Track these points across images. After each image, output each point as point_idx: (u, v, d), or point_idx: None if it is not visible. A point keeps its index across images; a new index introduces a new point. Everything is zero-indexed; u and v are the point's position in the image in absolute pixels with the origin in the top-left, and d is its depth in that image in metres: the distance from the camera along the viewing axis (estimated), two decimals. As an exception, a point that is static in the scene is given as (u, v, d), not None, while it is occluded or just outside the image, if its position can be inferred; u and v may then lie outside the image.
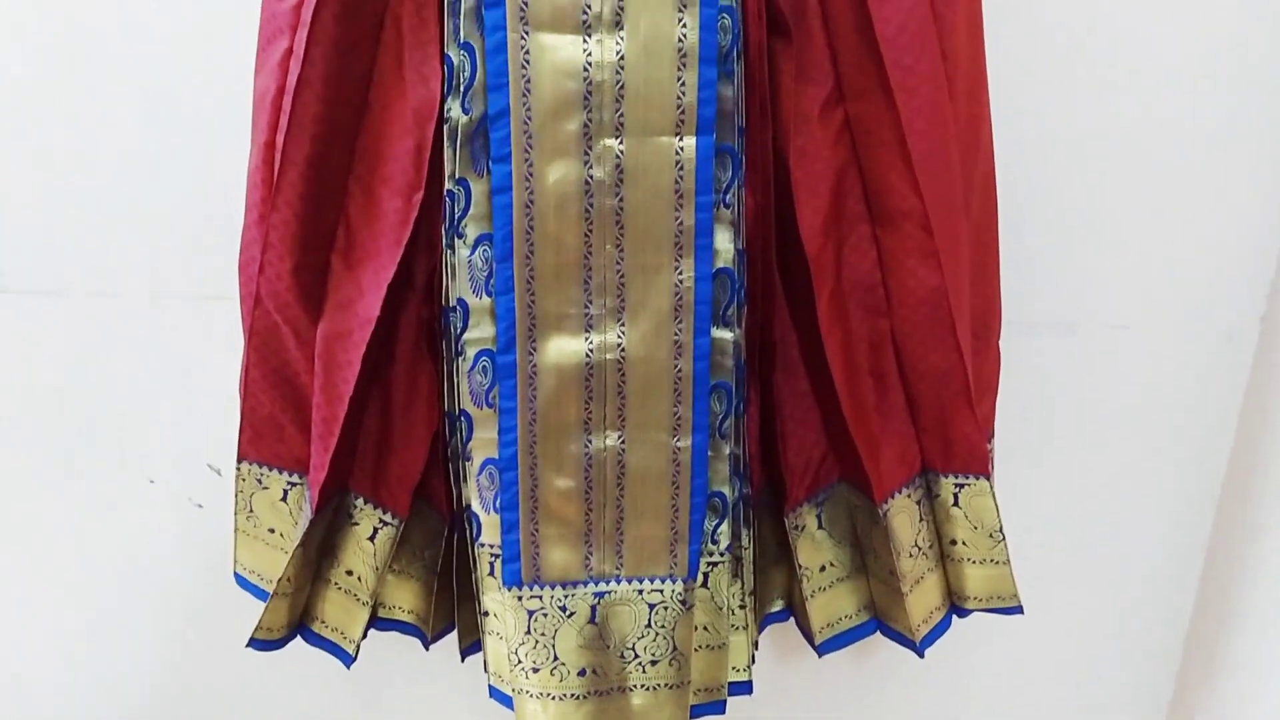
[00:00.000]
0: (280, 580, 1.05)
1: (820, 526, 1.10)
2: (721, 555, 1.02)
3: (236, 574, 1.14)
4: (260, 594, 1.12)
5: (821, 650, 1.13)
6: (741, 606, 1.05)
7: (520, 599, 1.00)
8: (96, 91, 1.23)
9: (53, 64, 1.22)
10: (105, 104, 1.23)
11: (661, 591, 1.01)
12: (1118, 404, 1.35)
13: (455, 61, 0.90)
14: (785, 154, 0.95)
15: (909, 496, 1.08)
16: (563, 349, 0.94)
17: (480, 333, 0.95)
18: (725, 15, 0.88)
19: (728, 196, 0.93)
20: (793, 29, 0.92)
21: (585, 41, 0.88)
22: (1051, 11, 1.20)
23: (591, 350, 0.95)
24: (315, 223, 0.97)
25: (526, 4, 0.87)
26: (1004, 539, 1.09)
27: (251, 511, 1.10)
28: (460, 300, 0.95)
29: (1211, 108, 1.23)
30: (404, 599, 1.13)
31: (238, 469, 1.09)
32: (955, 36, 0.94)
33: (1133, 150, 1.25)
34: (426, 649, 1.16)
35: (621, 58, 0.88)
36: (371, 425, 1.05)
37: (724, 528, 1.01)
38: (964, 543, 1.10)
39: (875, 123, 0.95)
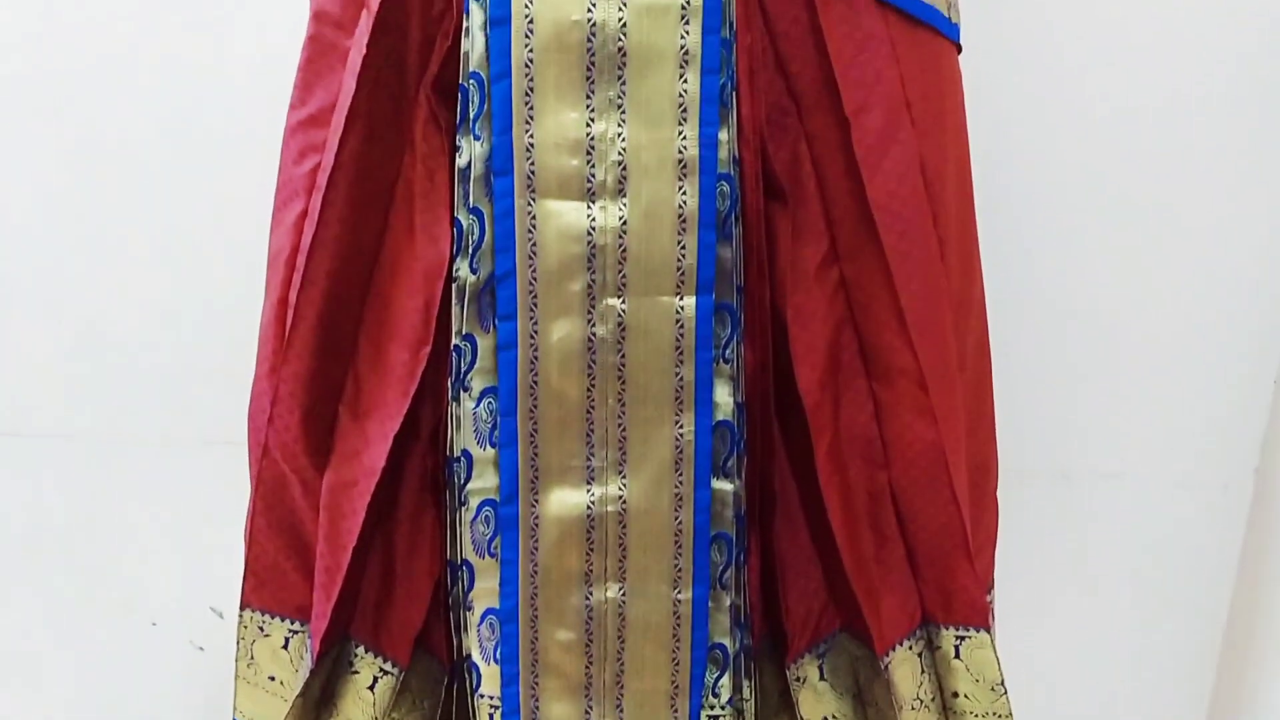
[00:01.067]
0: (279, 730, 1.05)
1: (822, 678, 1.09)
2: (723, 708, 1.01)
3: (235, 721, 1.14)
4: (259, 743, 1.12)
5: (824, 805, 1.11)
6: (742, 760, 1.04)
7: (519, 753, 0.99)
8: (111, 241, 1.27)
9: (67, 212, 1.27)
10: (119, 253, 1.27)
11: None
12: (1116, 553, 1.35)
13: (464, 225, 0.94)
14: (783, 311, 0.98)
15: (910, 649, 1.07)
16: (565, 501, 0.96)
17: (483, 483, 0.97)
18: (724, 183, 0.92)
19: (727, 352, 0.96)
20: (789, 193, 0.96)
21: (589, 208, 0.91)
22: (1043, 174, 1.25)
23: (593, 502, 0.96)
24: (324, 376, 1.00)
25: (533, 173, 0.90)
26: (1005, 692, 1.08)
27: (253, 659, 1.10)
28: (465, 451, 0.97)
29: (1199, 263, 1.27)
30: None
31: (240, 616, 1.09)
32: (946, 202, 0.98)
33: (1127, 301, 1.28)
34: (424, 801, 1.14)
35: (624, 223, 0.91)
36: (374, 573, 1.06)
37: (725, 680, 1.00)
38: (966, 695, 1.09)
39: (870, 283, 0.98)
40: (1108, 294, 1.26)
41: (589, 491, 0.96)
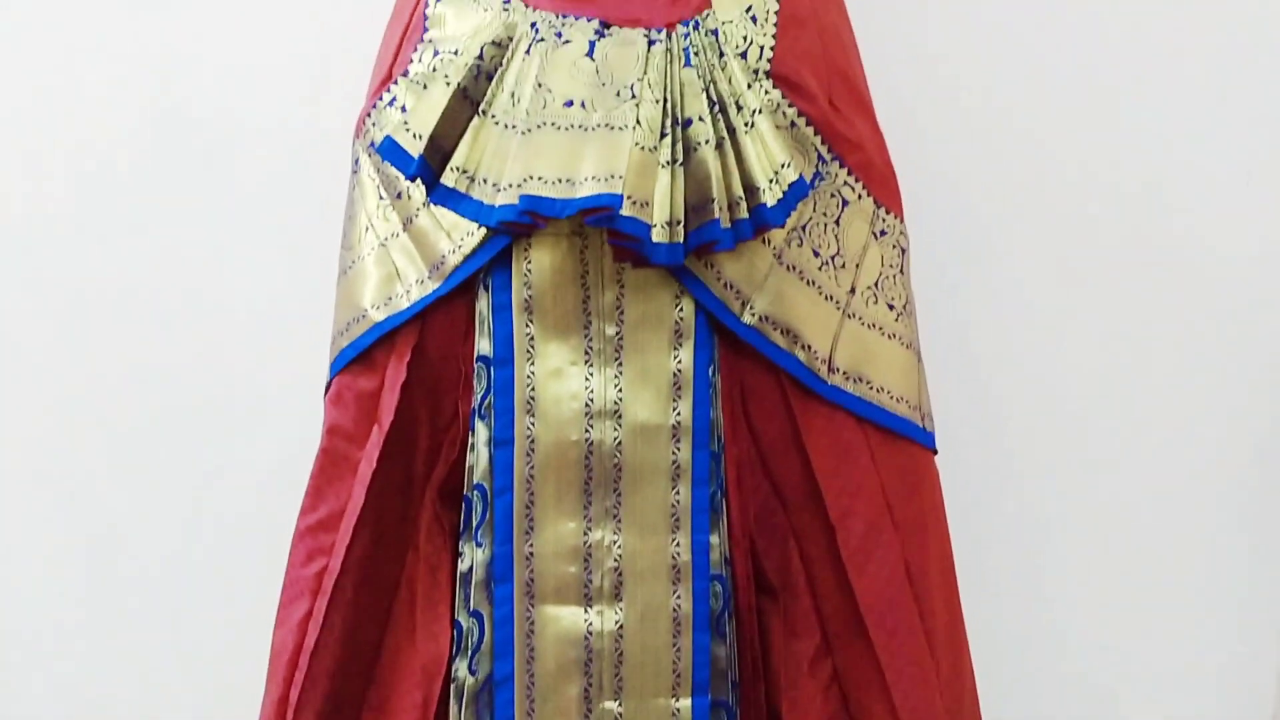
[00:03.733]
0: None
1: None
2: None
3: None
4: None
5: None
6: None
7: None
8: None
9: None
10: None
11: None
12: None
13: (465, 626, 0.96)
14: (778, 705, 0.99)
15: None
16: None
17: None
18: (716, 584, 0.95)
19: (724, 749, 0.96)
20: (780, 589, 0.99)
21: (586, 612, 0.94)
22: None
23: None
24: None
25: (533, 580, 0.94)
26: None
27: None
28: None
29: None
30: None
31: None
32: (931, 597, 1.01)
33: (1120, 652, 1.29)
34: None
35: (620, 627, 0.94)
36: None
37: None
38: None
39: (862, 677, 0.99)
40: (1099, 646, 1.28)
41: None
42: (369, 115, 0.98)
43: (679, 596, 0.94)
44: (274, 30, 1.32)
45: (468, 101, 0.91)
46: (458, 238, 0.94)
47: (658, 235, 0.86)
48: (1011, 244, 1.34)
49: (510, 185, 0.87)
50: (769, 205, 0.89)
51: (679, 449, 0.95)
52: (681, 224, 0.87)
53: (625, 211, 0.84)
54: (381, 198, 0.98)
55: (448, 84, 0.91)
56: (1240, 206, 1.32)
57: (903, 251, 1.01)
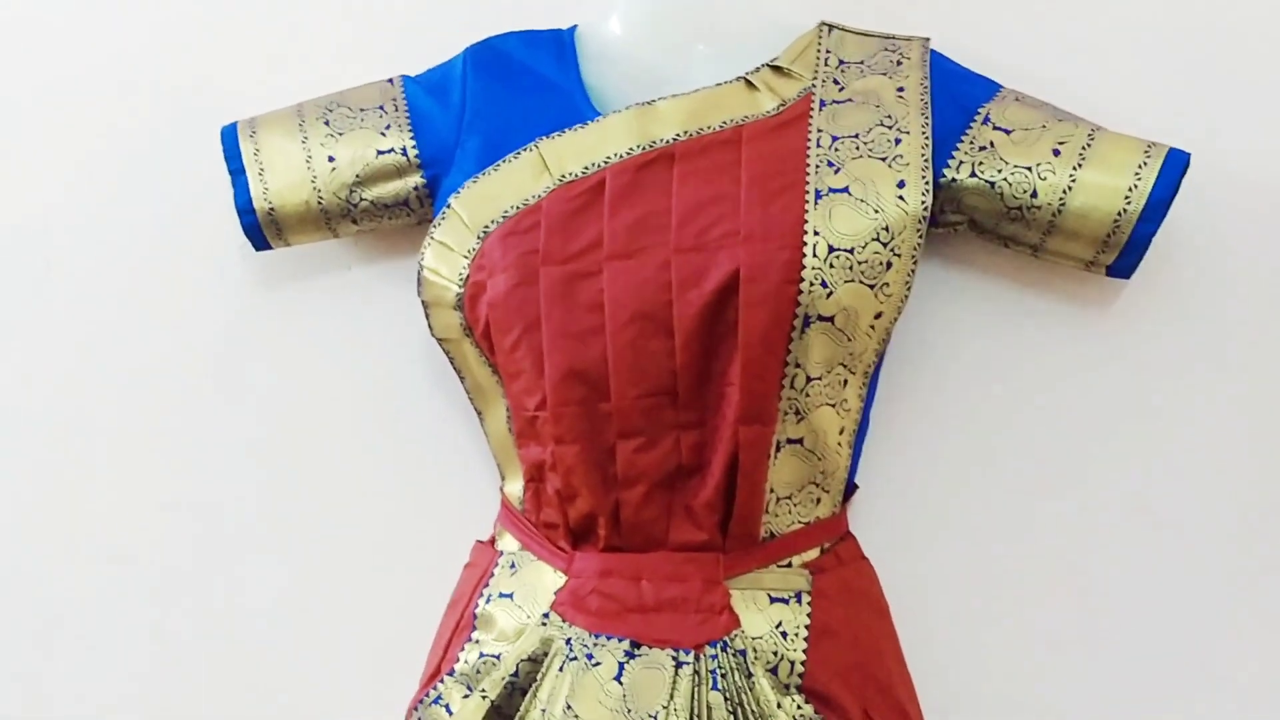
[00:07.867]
0: None
1: None
2: None
3: None
4: None
5: None
6: None
7: None
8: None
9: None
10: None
11: None
12: None
13: None
14: None
15: None
16: None
17: None
18: None
19: None
20: None
21: None
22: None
23: None
24: None
25: None
26: None
27: None
28: None
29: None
30: None
31: None
32: None
33: None
34: None
35: None
36: None
37: None
38: None
39: None
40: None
41: None
42: (416, 709, 1.02)
43: None
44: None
45: (500, 718, 0.94)
46: None
47: None
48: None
49: None
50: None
51: None
52: None
53: None
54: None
55: (484, 698, 0.94)
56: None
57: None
